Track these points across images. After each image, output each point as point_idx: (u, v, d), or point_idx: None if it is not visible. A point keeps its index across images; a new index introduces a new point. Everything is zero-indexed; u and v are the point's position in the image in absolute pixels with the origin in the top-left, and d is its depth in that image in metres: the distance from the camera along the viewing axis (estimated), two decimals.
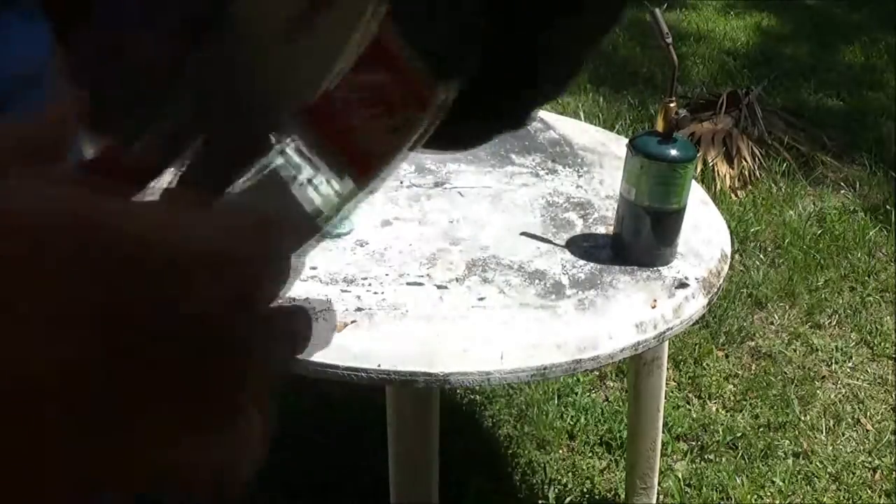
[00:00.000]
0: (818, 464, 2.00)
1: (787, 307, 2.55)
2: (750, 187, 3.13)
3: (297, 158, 0.31)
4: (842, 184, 3.22)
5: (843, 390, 2.26)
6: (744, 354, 2.37)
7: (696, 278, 1.30)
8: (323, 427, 1.98)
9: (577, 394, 2.16)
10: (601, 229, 1.41)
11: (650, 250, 1.32)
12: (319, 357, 1.11)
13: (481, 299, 1.22)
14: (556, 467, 1.95)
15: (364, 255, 1.31)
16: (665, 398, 1.76)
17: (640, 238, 1.31)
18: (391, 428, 1.32)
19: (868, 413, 2.18)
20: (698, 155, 3.00)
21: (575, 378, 2.20)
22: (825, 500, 1.92)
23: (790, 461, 2.01)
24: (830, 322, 2.51)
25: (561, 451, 2.01)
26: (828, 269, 2.72)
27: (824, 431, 2.11)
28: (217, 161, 0.31)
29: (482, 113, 0.41)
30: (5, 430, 0.20)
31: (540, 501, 1.87)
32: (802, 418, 2.14)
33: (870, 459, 2.03)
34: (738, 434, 2.07)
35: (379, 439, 1.35)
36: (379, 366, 1.10)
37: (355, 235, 1.36)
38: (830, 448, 2.06)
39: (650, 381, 1.64)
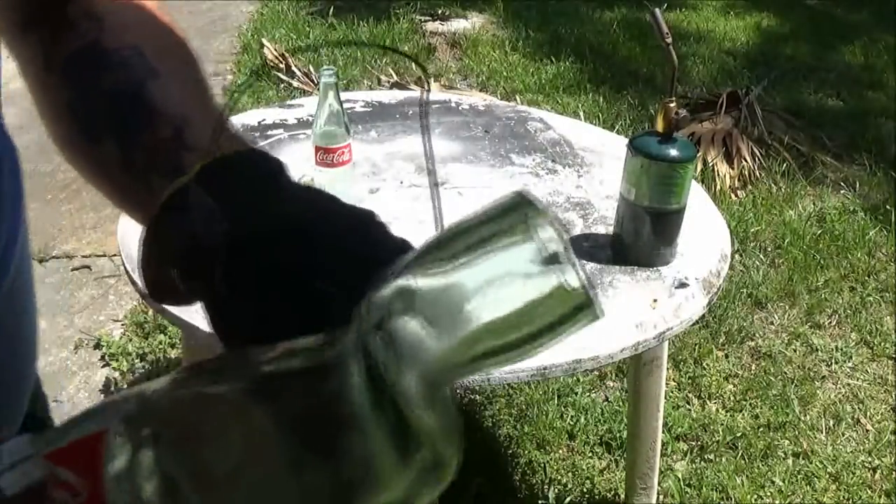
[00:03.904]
0: (818, 464, 2.00)
1: (787, 307, 2.55)
2: (750, 187, 3.13)
3: None
4: (842, 184, 3.22)
5: (843, 390, 2.25)
6: (744, 354, 2.37)
7: (696, 278, 1.30)
8: None
9: (577, 394, 2.16)
10: (601, 229, 1.41)
11: (650, 250, 1.32)
12: None
13: None
14: (556, 467, 1.95)
15: None
16: (665, 398, 1.76)
17: (640, 238, 1.31)
18: None
19: (868, 413, 2.18)
20: (698, 155, 3.00)
21: (575, 378, 2.20)
22: (825, 500, 1.92)
23: (790, 461, 2.01)
24: (830, 322, 2.51)
25: (561, 451, 2.01)
26: (828, 269, 2.71)
27: (824, 431, 2.11)
28: None
29: None
30: None
31: (540, 501, 1.87)
32: (802, 418, 2.14)
33: (870, 459, 2.03)
34: (738, 434, 2.07)
35: None
36: None
37: None
38: (830, 448, 2.06)
39: (650, 381, 1.64)
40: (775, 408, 2.17)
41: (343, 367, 0.34)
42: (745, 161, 3.19)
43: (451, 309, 0.33)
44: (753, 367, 2.32)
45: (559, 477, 1.93)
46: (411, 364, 0.33)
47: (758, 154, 3.24)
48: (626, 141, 1.33)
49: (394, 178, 1.56)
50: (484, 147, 1.70)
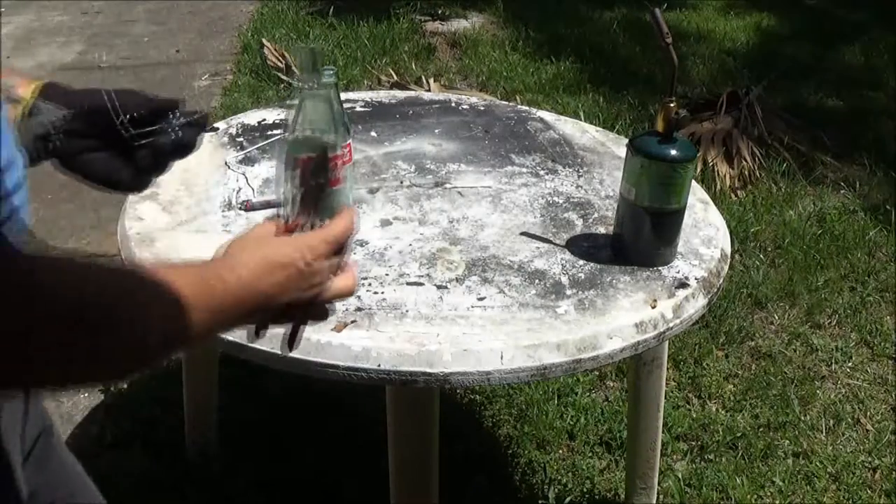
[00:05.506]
0: (818, 464, 2.00)
1: (787, 307, 2.55)
2: (750, 187, 3.13)
3: None
4: (842, 184, 3.22)
5: (843, 390, 2.26)
6: (744, 354, 2.37)
7: (696, 278, 1.30)
8: (323, 427, 1.98)
9: (577, 394, 2.16)
10: (601, 229, 1.41)
11: (650, 250, 1.32)
12: (319, 357, 1.11)
13: (481, 299, 1.22)
14: (556, 467, 1.95)
15: (364, 255, 1.31)
16: (665, 398, 1.77)
17: (640, 238, 1.31)
18: (391, 428, 1.32)
19: (868, 413, 2.18)
20: (698, 155, 3.00)
21: (575, 378, 2.20)
22: (825, 500, 1.92)
23: (790, 461, 2.01)
24: (830, 322, 2.51)
25: (561, 451, 2.01)
26: (828, 269, 2.71)
27: (824, 431, 2.11)
28: None
29: None
30: None
31: (540, 501, 1.87)
32: (802, 418, 2.14)
33: (870, 459, 2.03)
34: (738, 434, 2.07)
35: (379, 439, 1.35)
36: (379, 366, 1.10)
37: (355, 235, 1.36)
38: (830, 448, 2.06)
39: (650, 381, 1.64)
40: (775, 408, 2.17)
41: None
42: (745, 161, 3.19)
43: None
44: (753, 367, 2.32)
45: (559, 477, 1.93)
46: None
47: (758, 154, 3.24)
48: (626, 141, 1.33)
49: (393, 178, 1.56)
50: (484, 147, 1.70)
